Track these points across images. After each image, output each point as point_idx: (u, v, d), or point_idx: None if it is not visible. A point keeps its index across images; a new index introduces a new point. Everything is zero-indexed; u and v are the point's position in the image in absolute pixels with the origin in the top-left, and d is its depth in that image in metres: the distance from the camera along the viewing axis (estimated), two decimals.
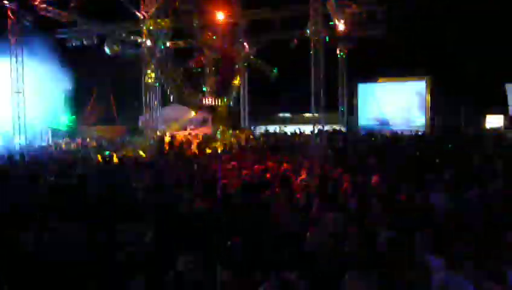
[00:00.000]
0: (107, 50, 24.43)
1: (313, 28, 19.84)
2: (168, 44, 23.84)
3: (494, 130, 26.16)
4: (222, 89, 28.45)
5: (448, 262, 4.47)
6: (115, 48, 24.51)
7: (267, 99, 30.59)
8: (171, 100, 26.82)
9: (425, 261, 4.38)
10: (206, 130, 27.89)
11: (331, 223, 5.96)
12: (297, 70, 25.63)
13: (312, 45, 19.95)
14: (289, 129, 29.14)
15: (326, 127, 25.15)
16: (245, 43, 28.85)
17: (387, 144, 20.69)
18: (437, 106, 29.30)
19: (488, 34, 26.10)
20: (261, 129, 30.50)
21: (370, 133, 26.67)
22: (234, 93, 29.93)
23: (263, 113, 32.13)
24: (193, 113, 29.31)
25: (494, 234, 5.32)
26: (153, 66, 21.86)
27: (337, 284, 3.62)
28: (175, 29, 23.67)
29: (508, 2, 22.71)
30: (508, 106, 26.47)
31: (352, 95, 31.71)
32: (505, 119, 27.19)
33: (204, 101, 27.60)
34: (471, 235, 5.31)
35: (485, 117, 28.18)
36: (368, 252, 5.00)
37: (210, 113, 29.28)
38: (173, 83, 24.39)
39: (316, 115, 22.63)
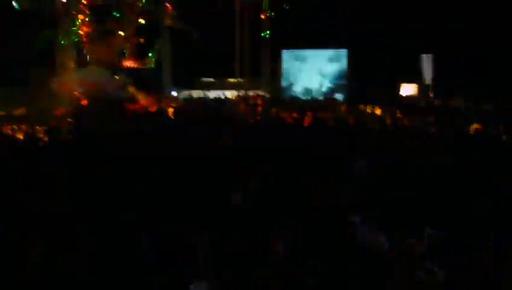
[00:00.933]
0: (15, 5, 22.40)
1: None
2: (84, 1, 22.32)
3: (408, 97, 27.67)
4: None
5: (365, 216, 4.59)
6: (25, 2, 22.54)
7: (190, 64, 29.78)
8: (88, 62, 25.34)
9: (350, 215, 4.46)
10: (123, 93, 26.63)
11: None
12: (222, 34, 25.23)
13: (237, 7, 19.59)
14: (212, 94, 28.76)
15: (250, 93, 25.21)
16: (167, 4, 27.74)
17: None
18: (357, 74, 30.21)
19: (406, 6, 27.21)
20: (184, 94, 29.81)
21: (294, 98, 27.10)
22: (155, 56, 28.89)
23: (186, 77, 31.32)
24: (113, 76, 27.93)
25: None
26: (68, 24, 20.40)
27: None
28: None
29: None
30: (423, 75, 27.91)
31: (277, 61, 31.80)
32: (419, 87, 28.69)
33: (124, 64, 26.39)
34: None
35: (400, 86, 29.54)
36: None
37: (130, 76, 28.06)
38: (90, 43, 23.02)
39: (241, 80, 22.56)
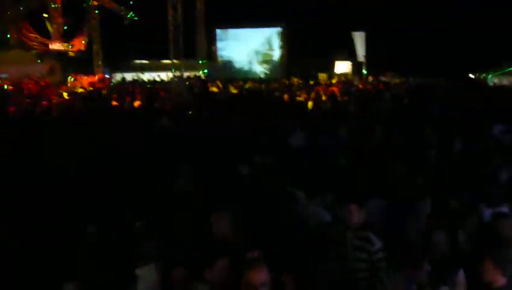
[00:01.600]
0: None
1: None
2: None
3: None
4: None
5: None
6: None
7: (122, 45, 28.71)
8: (10, 45, 23.83)
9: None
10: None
11: None
12: (154, 14, 24.49)
13: None
14: (147, 76, 28.06)
15: (186, 74, 24.76)
16: None
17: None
18: (292, 52, 30.50)
19: None
20: (117, 76, 28.84)
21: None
22: (85, 38, 27.66)
23: (118, 59, 30.23)
24: (38, 60, 26.42)
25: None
26: None
27: None
28: None
29: None
30: (356, 53, 28.58)
31: (212, 41, 31.43)
32: (352, 65, 29.40)
33: (50, 46, 25.02)
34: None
35: (334, 63, 30.14)
36: None
37: (58, 60, 26.66)
38: (12, 24, 21.60)
39: (175, 61, 22.07)
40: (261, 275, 2.80)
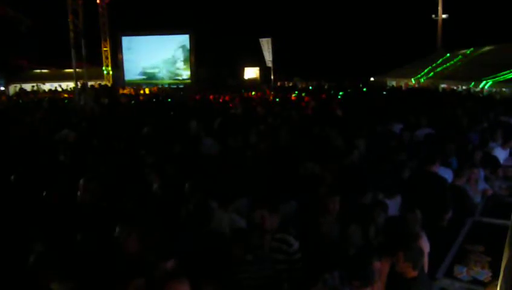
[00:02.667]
0: None
1: None
2: None
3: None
4: None
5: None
6: None
7: (19, 53, 26.84)
8: None
9: None
10: None
11: None
12: (54, 21, 23.21)
13: None
14: (48, 87, 26.56)
15: (91, 83, 23.72)
16: None
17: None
18: (200, 59, 30.44)
19: None
20: (16, 88, 26.92)
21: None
22: None
23: (15, 69, 28.21)
24: None
25: None
26: None
27: None
28: None
29: None
30: (264, 58, 29.14)
31: (116, 48, 30.41)
32: (260, 70, 29.96)
33: None
34: None
35: (243, 69, 30.55)
36: None
37: None
38: None
39: (79, 70, 21.02)
40: (182, 286, 2.74)
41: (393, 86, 25.24)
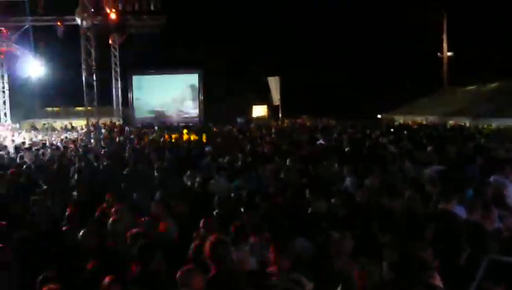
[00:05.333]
0: None
1: (82, 14, 18.56)
2: None
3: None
4: None
5: None
6: None
7: (32, 92, 27.28)
8: None
9: None
10: None
11: None
12: (67, 60, 23.78)
13: (82, 32, 18.63)
14: (59, 124, 26.93)
15: (102, 121, 23.99)
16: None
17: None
18: (209, 97, 30.81)
19: (251, 30, 28.80)
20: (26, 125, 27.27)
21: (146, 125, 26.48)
22: None
23: (28, 106, 28.64)
24: None
25: None
26: None
27: None
28: None
29: None
30: (272, 97, 29.47)
31: (127, 87, 30.96)
32: (268, 108, 30.24)
33: None
34: None
35: (251, 107, 30.86)
36: None
37: None
38: None
39: (90, 108, 21.30)
40: None
41: (400, 123, 25.25)
